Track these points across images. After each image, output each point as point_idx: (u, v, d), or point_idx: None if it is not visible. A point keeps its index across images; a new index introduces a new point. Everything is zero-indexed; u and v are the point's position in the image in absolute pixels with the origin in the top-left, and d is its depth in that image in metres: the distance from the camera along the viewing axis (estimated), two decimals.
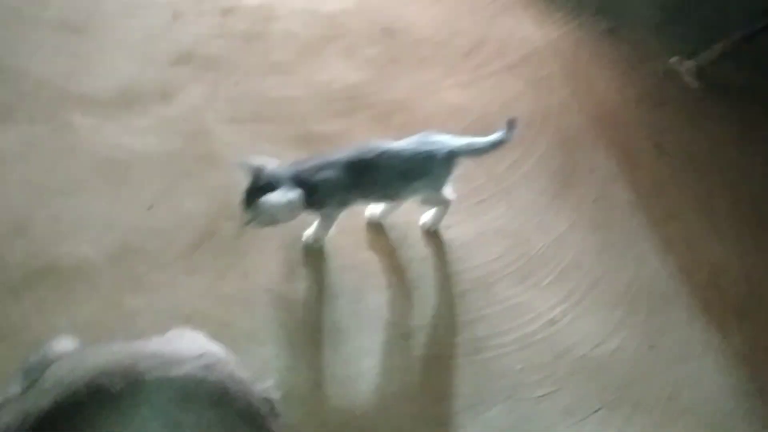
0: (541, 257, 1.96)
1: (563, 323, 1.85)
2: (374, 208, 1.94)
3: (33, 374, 1.20)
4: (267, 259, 1.86)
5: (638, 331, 1.86)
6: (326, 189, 1.71)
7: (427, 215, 1.95)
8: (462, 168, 2.05)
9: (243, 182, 1.67)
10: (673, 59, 2.58)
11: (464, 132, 2.17)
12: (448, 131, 1.87)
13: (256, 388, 1.24)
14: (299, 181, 1.68)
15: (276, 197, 1.62)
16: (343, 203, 1.79)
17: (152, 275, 1.80)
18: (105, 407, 1.11)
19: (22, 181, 1.95)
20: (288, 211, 1.66)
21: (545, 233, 2.02)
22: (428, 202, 1.91)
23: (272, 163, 1.70)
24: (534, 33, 2.61)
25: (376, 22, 2.52)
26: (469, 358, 1.74)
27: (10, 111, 2.08)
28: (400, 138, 1.82)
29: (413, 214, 1.96)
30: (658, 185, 2.19)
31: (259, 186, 1.65)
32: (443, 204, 1.91)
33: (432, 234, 1.97)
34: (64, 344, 1.28)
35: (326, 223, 1.84)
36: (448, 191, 1.88)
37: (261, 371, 1.60)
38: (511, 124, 1.84)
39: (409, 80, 2.35)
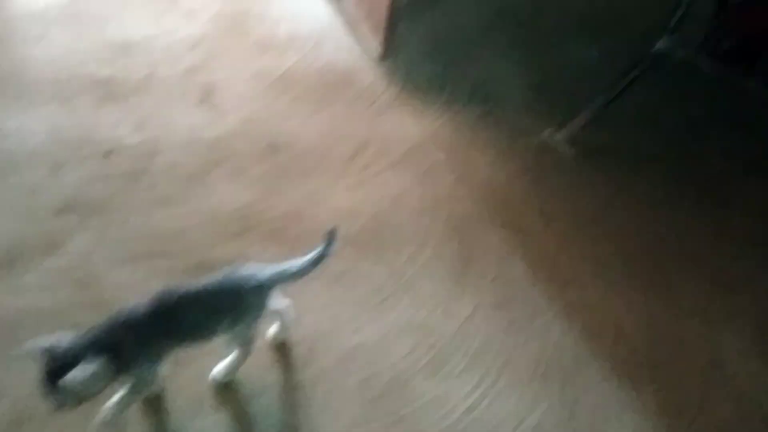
0: (450, 346, 1.98)
1: (482, 408, 1.85)
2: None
3: None
4: (174, 397, 1.80)
5: (556, 401, 1.88)
6: (133, 346, 1.58)
7: (223, 363, 1.81)
8: (360, 269, 2.09)
9: (37, 367, 1.50)
10: (546, 132, 2.74)
11: (359, 234, 2.25)
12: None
13: None
14: (101, 346, 1.53)
15: (76, 375, 1.46)
16: (157, 356, 1.66)
17: None
18: None
19: None
20: (94, 383, 1.50)
21: (451, 320, 2.05)
22: (236, 341, 1.76)
23: (65, 337, 1.54)
24: (414, 127, 2.73)
25: (260, 140, 2.58)
26: None
27: None
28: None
29: (319, 324, 1.96)
30: (551, 254, 2.28)
31: (56, 367, 1.49)
32: (249, 344, 1.78)
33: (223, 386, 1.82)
34: None
35: (144, 379, 1.67)
36: (256, 334, 1.78)
37: None
38: (330, 237, 1.79)
39: (299, 191, 2.40)
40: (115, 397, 1.68)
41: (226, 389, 1.82)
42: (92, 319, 1.76)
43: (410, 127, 2.73)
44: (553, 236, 2.34)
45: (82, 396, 1.52)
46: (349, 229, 2.26)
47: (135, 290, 1.99)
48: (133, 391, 1.68)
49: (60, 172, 2.37)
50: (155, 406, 1.77)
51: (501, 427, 1.81)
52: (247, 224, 2.26)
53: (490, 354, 1.97)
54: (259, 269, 1.74)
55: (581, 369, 1.97)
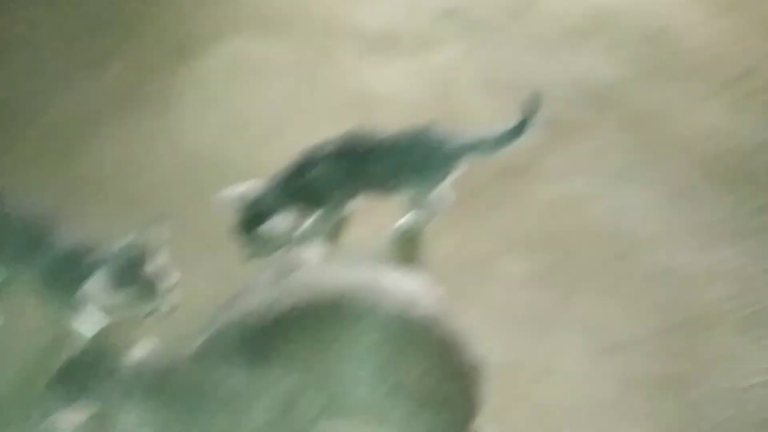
0: None
1: None
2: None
3: (282, 270, 1.28)
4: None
5: None
6: (320, 187, 1.58)
7: (406, 218, 1.78)
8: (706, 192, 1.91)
9: (232, 216, 1.55)
10: None
11: (719, 158, 2.04)
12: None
13: (469, 352, 1.23)
14: (291, 192, 1.55)
15: (270, 225, 1.49)
16: (343, 200, 1.66)
17: None
18: (339, 324, 1.15)
19: (273, 96, 2.08)
20: (287, 232, 1.54)
21: None
22: (416, 203, 1.72)
23: (255, 186, 1.56)
24: None
25: (646, 22, 2.38)
26: (671, 392, 1.61)
27: (285, 24, 2.21)
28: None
29: (647, 230, 1.86)
30: None
31: (251, 215, 1.53)
32: (431, 209, 1.73)
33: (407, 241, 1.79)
34: (314, 253, 1.35)
35: (329, 220, 1.69)
36: (444, 193, 1.70)
37: None
38: (530, 108, 1.60)
39: (668, 90, 2.20)
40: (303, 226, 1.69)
41: (407, 241, 1.81)
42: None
43: None
44: None
45: (276, 245, 1.53)
46: (713, 151, 2.05)
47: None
48: (317, 224, 1.68)
49: None
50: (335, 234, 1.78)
51: None
52: (605, 101, 2.14)
53: None
54: (455, 134, 1.64)
55: None
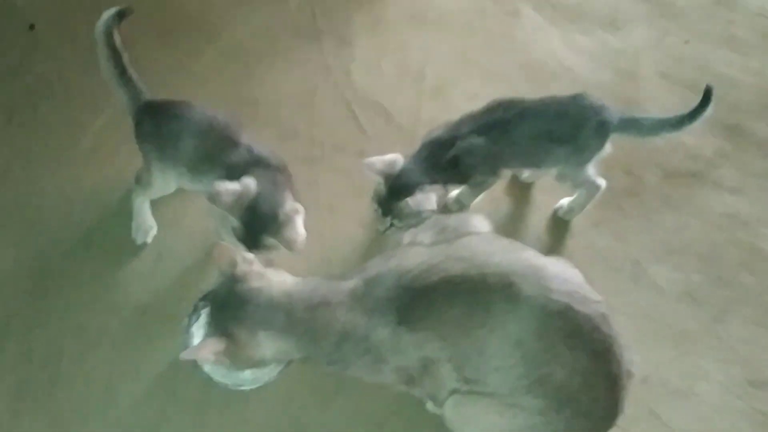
0: None
1: None
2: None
3: (446, 234, 1.27)
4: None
5: None
6: (467, 159, 1.50)
7: (566, 200, 1.70)
8: None
9: (377, 186, 1.51)
10: None
11: None
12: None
13: (626, 358, 1.18)
14: (435, 166, 1.49)
15: (416, 201, 1.45)
16: (490, 172, 1.58)
17: None
18: (499, 304, 1.12)
19: (449, 49, 2.04)
20: (432, 208, 1.48)
21: None
22: (567, 180, 1.62)
23: (399, 159, 1.49)
24: None
25: None
26: None
27: None
28: None
29: None
30: None
31: (395, 188, 1.47)
32: (588, 188, 1.63)
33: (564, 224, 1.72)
34: (481, 223, 1.33)
35: (477, 191, 1.64)
36: (595, 174, 1.60)
37: None
38: (705, 97, 1.51)
39: None
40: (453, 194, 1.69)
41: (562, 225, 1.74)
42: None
43: None
44: None
45: (417, 219, 1.47)
46: None
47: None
48: (462, 199, 1.68)
49: None
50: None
51: None
52: None
53: None
54: (608, 106, 1.53)
55: None
